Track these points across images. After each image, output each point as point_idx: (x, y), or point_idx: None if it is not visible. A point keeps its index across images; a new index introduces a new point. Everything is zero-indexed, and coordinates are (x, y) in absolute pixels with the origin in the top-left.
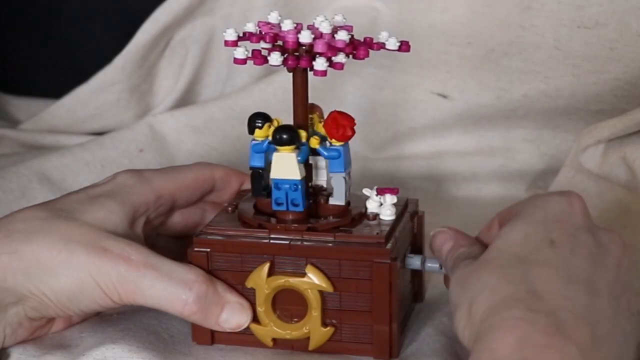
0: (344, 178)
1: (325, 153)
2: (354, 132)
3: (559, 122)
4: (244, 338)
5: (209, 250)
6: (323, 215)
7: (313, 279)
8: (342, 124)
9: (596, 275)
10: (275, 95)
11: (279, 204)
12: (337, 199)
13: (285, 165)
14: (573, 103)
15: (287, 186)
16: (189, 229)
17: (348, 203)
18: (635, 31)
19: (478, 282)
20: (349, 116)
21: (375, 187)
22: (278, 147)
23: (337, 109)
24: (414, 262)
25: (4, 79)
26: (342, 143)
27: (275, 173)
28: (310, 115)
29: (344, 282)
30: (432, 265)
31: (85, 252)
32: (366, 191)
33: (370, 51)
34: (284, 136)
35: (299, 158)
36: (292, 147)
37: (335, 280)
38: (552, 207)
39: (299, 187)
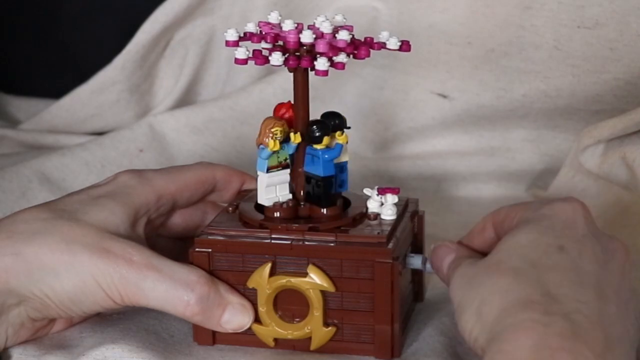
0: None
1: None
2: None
3: (559, 122)
4: (245, 338)
5: (210, 250)
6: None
7: (315, 279)
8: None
9: (604, 280)
10: (275, 95)
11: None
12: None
13: None
14: (573, 103)
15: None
16: (189, 230)
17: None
18: (635, 31)
19: (487, 283)
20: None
21: (377, 187)
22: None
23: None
24: (415, 261)
25: (4, 79)
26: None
27: None
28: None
29: (346, 282)
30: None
31: (88, 253)
32: (367, 191)
33: (371, 51)
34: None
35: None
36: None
37: (337, 280)
38: (557, 214)
39: None
